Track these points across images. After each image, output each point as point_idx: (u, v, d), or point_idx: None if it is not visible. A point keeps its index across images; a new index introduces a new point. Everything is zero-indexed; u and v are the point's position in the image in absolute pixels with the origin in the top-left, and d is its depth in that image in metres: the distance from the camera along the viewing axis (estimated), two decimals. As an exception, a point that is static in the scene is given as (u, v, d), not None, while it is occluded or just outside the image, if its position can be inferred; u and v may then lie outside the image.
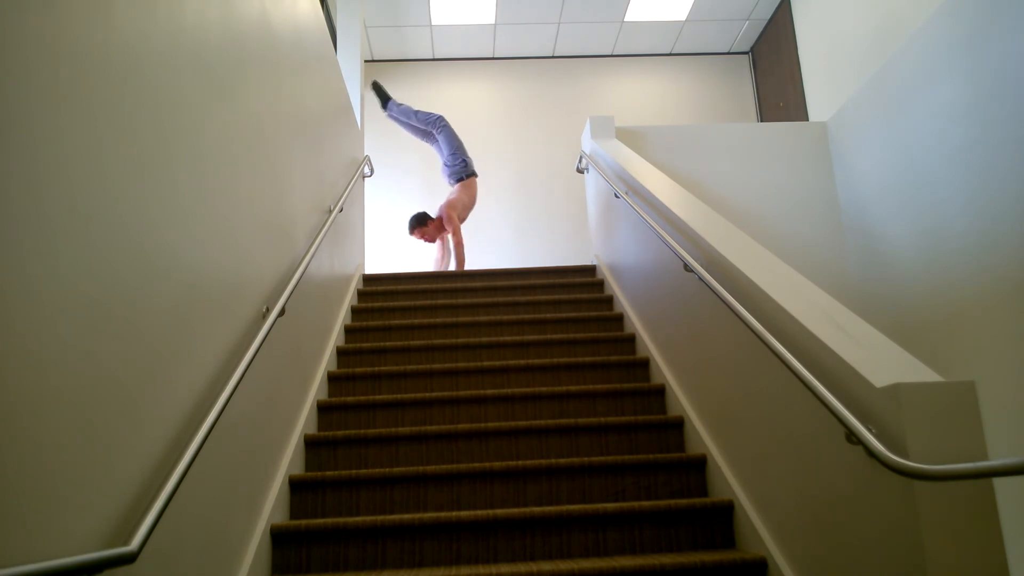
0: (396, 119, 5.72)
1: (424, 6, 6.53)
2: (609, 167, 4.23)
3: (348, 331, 3.89)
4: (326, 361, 3.37)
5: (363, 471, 2.61)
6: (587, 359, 3.41)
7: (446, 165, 5.48)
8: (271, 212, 2.54)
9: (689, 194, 3.21)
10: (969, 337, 3.42)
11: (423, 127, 5.57)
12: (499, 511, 2.36)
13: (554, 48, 7.24)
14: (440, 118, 5.53)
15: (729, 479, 2.46)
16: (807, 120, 6.04)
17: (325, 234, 3.25)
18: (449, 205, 5.30)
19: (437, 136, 5.51)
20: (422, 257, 6.74)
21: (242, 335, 2.12)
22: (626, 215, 3.91)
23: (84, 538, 1.24)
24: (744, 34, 7.12)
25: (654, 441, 2.91)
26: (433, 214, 5.60)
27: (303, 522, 2.34)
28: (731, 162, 4.83)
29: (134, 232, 1.47)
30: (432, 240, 5.34)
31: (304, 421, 2.85)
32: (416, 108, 5.72)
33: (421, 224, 5.28)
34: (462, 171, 5.46)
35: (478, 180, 5.76)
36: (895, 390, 1.53)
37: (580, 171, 5.10)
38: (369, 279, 4.72)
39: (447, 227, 5.29)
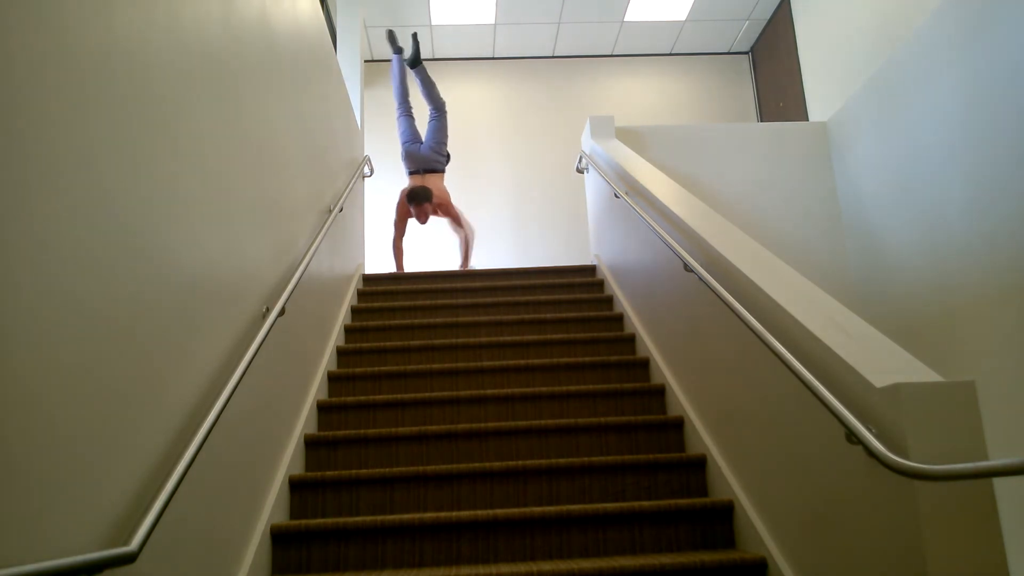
0: (397, 77, 5.46)
1: (424, 6, 6.53)
2: (609, 167, 4.23)
3: (348, 331, 3.89)
4: (326, 361, 3.37)
5: (363, 471, 2.61)
6: (587, 359, 3.41)
7: (432, 150, 5.21)
8: (271, 212, 2.54)
9: (689, 194, 3.21)
10: (969, 337, 3.41)
11: (432, 102, 5.34)
12: (499, 511, 2.36)
13: (554, 48, 7.24)
14: (445, 103, 5.45)
15: (729, 479, 2.46)
16: (807, 120, 6.04)
17: (325, 234, 3.25)
18: (449, 196, 5.13)
19: (438, 117, 5.28)
20: (421, 257, 6.74)
21: (242, 335, 2.12)
22: (626, 215, 3.91)
23: (84, 538, 1.24)
24: (744, 34, 7.12)
25: (654, 441, 2.91)
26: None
27: (303, 522, 2.34)
28: (731, 162, 4.83)
29: (133, 232, 1.47)
30: (424, 220, 4.99)
31: (304, 421, 2.85)
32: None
33: (429, 201, 4.94)
34: (446, 164, 5.29)
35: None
36: (895, 390, 1.53)
37: (580, 171, 5.10)
38: (369, 279, 4.72)
39: (463, 223, 5.09)
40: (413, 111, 5.44)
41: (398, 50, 5.52)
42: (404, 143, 5.35)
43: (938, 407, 1.51)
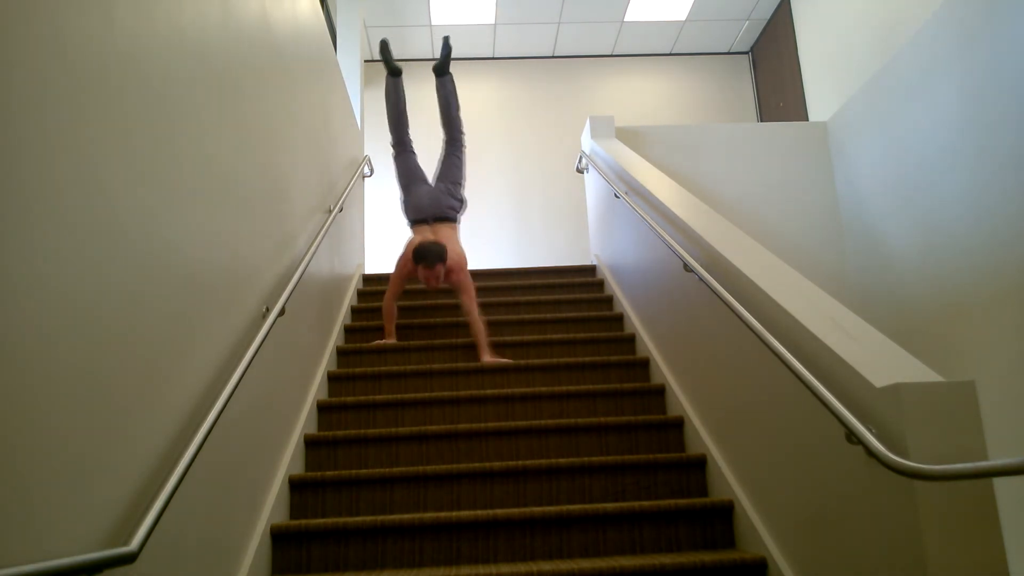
0: (393, 105, 4.33)
1: (424, 6, 6.53)
2: (609, 167, 4.23)
3: (348, 331, 3.88)
4: (326, 361, 3.37)
5: (363, 471, 2.61)
6: (587, 359, 3.40)
7: (444, 191, 4.03)
8: (271, 212, 2.54)
9: (689, 194, 3.21)
10: (969, 337, 3.41)
11: (449, 128, 4.23)
12: (499, 511, 2.36)
13: (554, 48, 7.24)
14: (464, 135, 4.35)
15: (729, 479, 2.46)
16: (807, 120, 6.04)
17: (325, 234, 3.25)
18: (465, 262, 3.82)
19: (452, 151, 4.18)
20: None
21: (242, 335, 2.12)
22: (626, 215, 3.91)
23: (84, 538, 1.24)
24: (744, 34, 7.11)
25: (654, 441, 2.90)
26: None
27: (303, 522, 2.34)
28: (731, 162, 4.83)
29: (133, 232, 1.47)
30: (434, 285, 3.70)
31: (304, 421, 2.85)
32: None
33: (443, 261, 3.66)
34: (460, 211, 4.09)
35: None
36: (895, 390, 1.53)
37: (580, 171, 5.10)
38: (369, 279, 4.72)
39: (473, 299, 3.69)
40: (414, 146, 4.33)
41: (394, 71, 4.36)
42: (404, 185, 4.13)
43: (938, 407, 1.51)
